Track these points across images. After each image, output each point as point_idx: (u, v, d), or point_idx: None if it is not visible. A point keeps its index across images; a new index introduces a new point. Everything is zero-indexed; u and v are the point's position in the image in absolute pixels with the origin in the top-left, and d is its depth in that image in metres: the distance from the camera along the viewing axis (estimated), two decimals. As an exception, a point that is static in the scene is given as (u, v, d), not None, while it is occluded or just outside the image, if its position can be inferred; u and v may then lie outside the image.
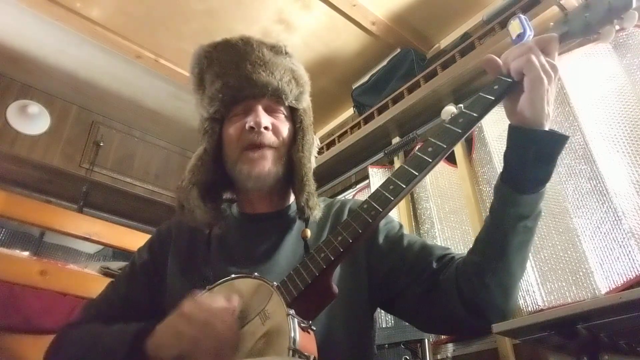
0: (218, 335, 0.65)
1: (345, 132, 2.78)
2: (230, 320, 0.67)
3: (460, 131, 0.74)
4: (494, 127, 1.96)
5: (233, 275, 0.75)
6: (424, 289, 0.84)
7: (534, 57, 0.71)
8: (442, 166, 2.21)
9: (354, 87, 2.88)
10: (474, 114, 0.74)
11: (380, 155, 2.56)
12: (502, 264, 0.76)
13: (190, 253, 0.94)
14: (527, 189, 0.74)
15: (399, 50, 2.70)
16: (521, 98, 0.73)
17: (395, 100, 2.47)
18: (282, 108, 0.97)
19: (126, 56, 2.85)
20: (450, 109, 0.81)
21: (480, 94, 0.76)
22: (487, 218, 0.79)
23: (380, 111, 2.55)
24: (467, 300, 0.78)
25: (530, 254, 1.60)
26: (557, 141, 0.73)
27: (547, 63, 0.72)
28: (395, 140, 2.52)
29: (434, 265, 0.85)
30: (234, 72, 0.94)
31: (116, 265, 2.17)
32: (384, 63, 2.73)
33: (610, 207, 1.49)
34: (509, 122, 0.77)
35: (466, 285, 0.78)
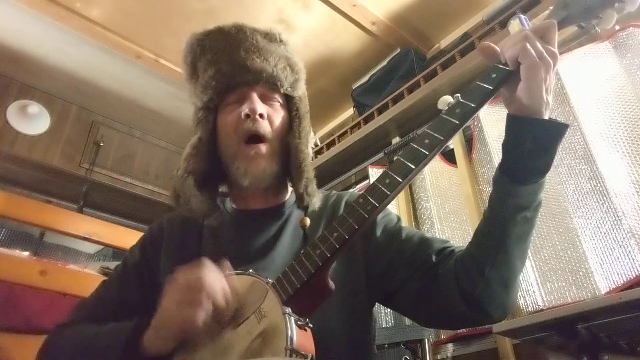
0: (213, 281, 0.68)
1: (345, 132, 2.78)
2: (222, 278, 0.69)
3: (457, 122, 0.71)
4: (494, 127, 1.96)
5: (227, 272, 0.74)
6: (423, 282, 0.83)
7: (529, 45, 0.69)
8: (442, 166, 2.21)
9: (354, 87, 2.87)
10: (472, 104, 0.72)
11: (380, 155, 2.56)
12: (501, 256, 0.74)
13: (183, 249, 0.92)
14: (526, 180, 0.72)
15: (399, 50, 2.70)
16: (518, 86, 0.71)
17: (395, 100, 2.47)
18: (277, 96, 0.95)
19: (126, 56, 2.85)
20: (447, 99, 0.78)
21: (478, 83, 0.73)
22: (486, 210, 0.77)
23: (380, 111, 2.55)
24: (467, 294, 0.77)
25: (530, 254, 1.60)
26: (555, 130, 0.71)
27: (545, 50, 0.70)
28: (395, 140, 2.51)
29: (433, 258, 0.84)
30: (227, 59, 0.92)
31: (116, 265, 2.17)
32: (384, 63, 2.73)
33: (610, 207, 1.49)
34: (507, 113, 0.75)
35: (465, 279, 0.77)
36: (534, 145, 0.71)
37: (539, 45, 0.69)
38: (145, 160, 3.56)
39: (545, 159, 0.72)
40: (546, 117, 0.71)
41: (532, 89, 0.69)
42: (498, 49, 0.76)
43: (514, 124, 0.73)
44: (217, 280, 0.69)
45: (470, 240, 0.81)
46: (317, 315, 0.73)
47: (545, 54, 0.69)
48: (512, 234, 0.73)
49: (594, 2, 0.76)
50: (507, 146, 0.74)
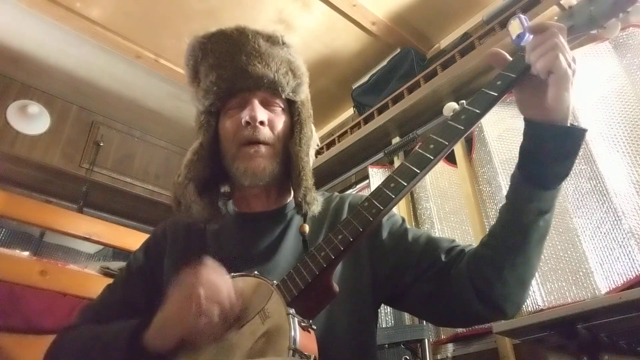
0: (217, 284, 0.68)
1: (345, 132, 2.78)
2: (227, 280, 0.70)
3: (462, 128, 0.73)
4: (494, 127, 1.96)
5: (232, 274, 0.74)
6: (434, 283, 0.84)
7: (561, 56, 0.69)
8: (442, 166, 2.21)
9: (354, 87, 2.87)
10: (477, 110, 0.73)
11: (380, 155, 2.56)
12: (521, 258, 0.75)
13: (187, 253, 0.92)
14: (550, 185, 0.73)
15: (399, 50, 2.70)
16: (549, 95, 0.71)
17: (395, 100, 2.47)
18: (278, 101, 0.95)
19: (126, 56, 2.85)
20: (452, 106, 0.79)
21: (483, 89, 0.75)
22: (504, 213, 0.78)
23: (380, 111, 2.55)
24: (483, 295, 0.78)
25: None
26: (577, 136, 0.72)
27: (570, 57, 0.70)
28: (395, 140, 2.52)
29: (443, 258, 0.85)
30: (228, 64, 0.92)
31: (116, 265, 2.17)
32: (384, 63, 2.73)
33: (610, 207, 1.49)
34: (524, 117, 0.76)
35: (481, 280, 0.78)
36: (558, 151, 0.72)
37: (568, 55, 0.70)
38: (145, 160, 3.55)
39: (568, 164, 0.73)
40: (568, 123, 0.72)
41: (563, 97, 0.70)
42: (508, 56, 0.78)
43: (539, 130, 0.74)
44: (221, 282, 0.69)
45: (484, 240, 0.81)
46: (323, 315, 0.74)
47: (572, 62, 0.70)
48: (533, 237, 0.74)
49: (598, 13, 0.77)
50: (530, 152, 0.75)
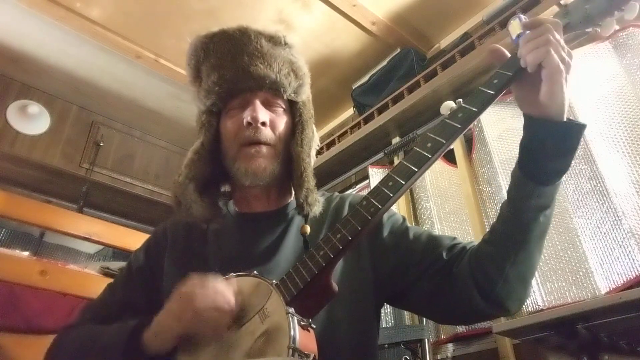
0: (216, 292, 0.68)
1: (345, 132, 2.78)
2: (226, 288, 0.70)
3: (459, 126, 0.73)
4: (494, 127, 1.96)
5: (232, 274, 0.74)
6: (436, 281, 0.84)
7: (553, 51, 0.69)
8: (442, 166, 2.21)
9: (354, 87, 2.88)
10: (474, 109, 0.73)
11: (380, 155, 2.56)
12: (522, 255, 0.76)
13: (187, 253, 0.93)
14: (549, 180, 0.74)
15: (399, 50, 2.70)
16: (542, 91, 0.71)
17: (395, 100, 2.48)
18: (280, 101, 0.95)
19: (126, 56, 2.85)
20: (449, 104, 0.79)
21: (480, 88, 0.75)
22: (505, 210, 0.78)
23: (380, 111, 2.55)
24: (485, 292, 0.78)
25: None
26: (575, 131, 0.72)
27: (565, 52, 0.70)
28: (395, 140, 2.52)
29: (445, 256, 0.85)
30: (230, 65, 0.92)
31: (116, 265, 2.17)
32: (384, 63, 2.73)
33: (610, 207, 1.49)
34: (523, 113, 0.76)
35: (483, 278, 0.78)
36: (557, 147, 0.72)
37: (561, 50, 0.70)
38: (145, 160, 3.56)
39: (567, 159, 0.74)
40: (565, 119, 0.72)
41: (556, 92, 0.70)
42: (507, 52, 0.77)
43: (536, 126, 0.74)
44: (220, 287, 0.70)
45: (485, 237, 0.81)
46: (323, 314, 0.74)
47: (566, 57, 0.70)
48: (534, 233, 0.75)
49: (594, 11, 0.77)
50: (529, 148, 0.75)
